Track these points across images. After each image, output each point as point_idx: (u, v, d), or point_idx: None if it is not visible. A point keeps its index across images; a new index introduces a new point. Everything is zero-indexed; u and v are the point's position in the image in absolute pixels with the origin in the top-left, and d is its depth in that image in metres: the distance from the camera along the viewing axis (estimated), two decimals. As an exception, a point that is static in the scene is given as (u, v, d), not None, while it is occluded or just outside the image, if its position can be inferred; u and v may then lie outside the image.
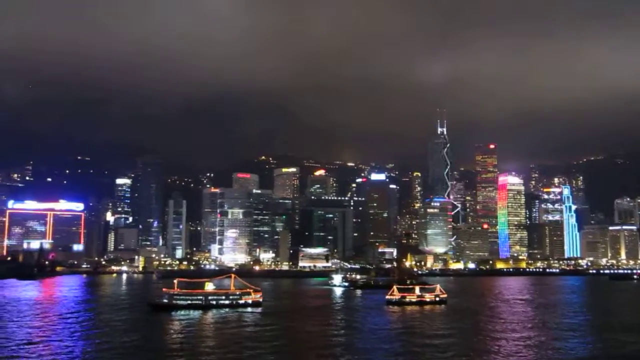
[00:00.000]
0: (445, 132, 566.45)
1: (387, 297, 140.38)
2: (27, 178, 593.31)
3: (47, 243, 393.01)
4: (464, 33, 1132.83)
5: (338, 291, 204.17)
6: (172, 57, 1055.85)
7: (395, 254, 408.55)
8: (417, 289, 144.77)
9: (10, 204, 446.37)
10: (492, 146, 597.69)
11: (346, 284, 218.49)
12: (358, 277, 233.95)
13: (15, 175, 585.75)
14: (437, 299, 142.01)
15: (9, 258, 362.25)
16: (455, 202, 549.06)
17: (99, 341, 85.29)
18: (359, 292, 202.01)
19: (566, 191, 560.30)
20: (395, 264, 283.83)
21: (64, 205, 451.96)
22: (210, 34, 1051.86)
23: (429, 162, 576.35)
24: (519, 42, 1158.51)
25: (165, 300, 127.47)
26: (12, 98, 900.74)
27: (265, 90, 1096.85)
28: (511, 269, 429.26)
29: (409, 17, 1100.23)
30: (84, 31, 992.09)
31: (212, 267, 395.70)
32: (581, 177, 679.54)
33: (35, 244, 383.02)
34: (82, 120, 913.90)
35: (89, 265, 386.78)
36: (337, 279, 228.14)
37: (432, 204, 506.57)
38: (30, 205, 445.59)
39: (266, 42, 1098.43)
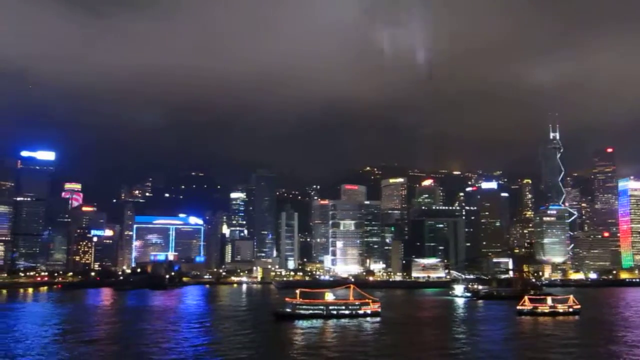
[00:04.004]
0: (558, 137, 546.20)
1: (518, 307, 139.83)
2: (147, 194, 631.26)
3: (172, 255, 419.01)
4: (577, 33, 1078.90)
5: (459, 302, 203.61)
6: (287, 76, 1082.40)
7: (510, 264, 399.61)
8: (549, 300, 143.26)
9: (136, 218, 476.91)
10: (609, 150, 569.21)
11: (468, 294, 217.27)
12: (480, 287, 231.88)
13: (137, 192, 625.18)
14: (571, 309, 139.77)
15: (138, 270, 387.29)
16: (571, 210, 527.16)
17: (237, 343, 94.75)
18: (481, 302, 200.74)
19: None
20: (514, 273, 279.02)
21: (185, 219, 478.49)
22: (322, 51, 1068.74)
23: (541, 169, 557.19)
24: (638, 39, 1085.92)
25: (289, 310, 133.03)
26: (140, 121, 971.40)
27: (371, 103, 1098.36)
28: (637, 279, 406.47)
29: (520, 22, 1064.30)
30: (207, 57, 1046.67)
31: (326, 277, 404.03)
32: None
33: (161, 256, 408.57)
34: (200, 141, 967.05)
35: (210, 276, 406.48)
36: (458, 289, 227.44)
37: (548, 212, 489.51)
38: (154, 219, 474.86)
39: (375, 56, 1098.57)
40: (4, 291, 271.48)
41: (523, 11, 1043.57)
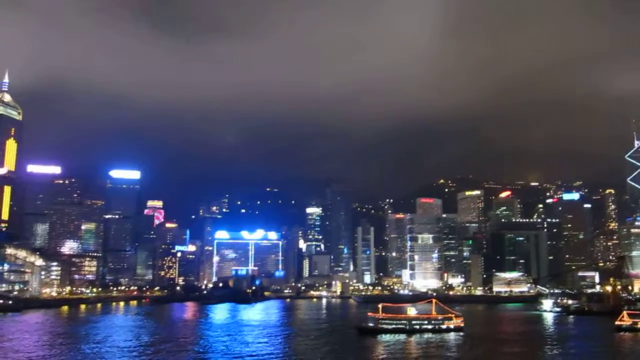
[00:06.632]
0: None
1: (617, 323, 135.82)
2: (224, 210, 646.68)
3: (253, 270, 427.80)
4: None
5: (548, 317, 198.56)
6: (364, 92, 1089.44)
7: (597, 278, 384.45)
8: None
9: (216, 234, 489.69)
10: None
11: (558, 309, 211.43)
12: (570, 302, 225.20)
13: (214, 208, 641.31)
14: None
15: (220, 284, 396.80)
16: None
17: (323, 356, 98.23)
18: (571, 318, 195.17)
19: None
20: (602, 288, 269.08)
21: (264, 235, 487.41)
22: (401, 67, 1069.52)
23: (625, 179, 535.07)
24: None
25: (372, 324, 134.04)
26: (219, 140, 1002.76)
27: (447, 116, 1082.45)
28: None
29: (603, 32, 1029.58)
30: (286, 78, 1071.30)
31: (405, 292, 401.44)
32: None
33: (242, 271, 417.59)
34: (276, 157, 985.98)
35: (290, 291, 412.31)
36: (547, 304, 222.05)
37: (636, 223, 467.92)
38: (234, 235, 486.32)
39: (455, 71, 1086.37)
40: (99, 305, 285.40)
41: (602, 22, 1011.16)
